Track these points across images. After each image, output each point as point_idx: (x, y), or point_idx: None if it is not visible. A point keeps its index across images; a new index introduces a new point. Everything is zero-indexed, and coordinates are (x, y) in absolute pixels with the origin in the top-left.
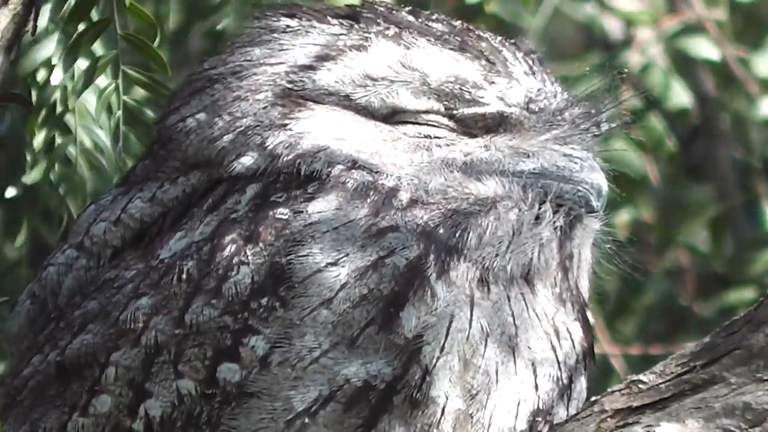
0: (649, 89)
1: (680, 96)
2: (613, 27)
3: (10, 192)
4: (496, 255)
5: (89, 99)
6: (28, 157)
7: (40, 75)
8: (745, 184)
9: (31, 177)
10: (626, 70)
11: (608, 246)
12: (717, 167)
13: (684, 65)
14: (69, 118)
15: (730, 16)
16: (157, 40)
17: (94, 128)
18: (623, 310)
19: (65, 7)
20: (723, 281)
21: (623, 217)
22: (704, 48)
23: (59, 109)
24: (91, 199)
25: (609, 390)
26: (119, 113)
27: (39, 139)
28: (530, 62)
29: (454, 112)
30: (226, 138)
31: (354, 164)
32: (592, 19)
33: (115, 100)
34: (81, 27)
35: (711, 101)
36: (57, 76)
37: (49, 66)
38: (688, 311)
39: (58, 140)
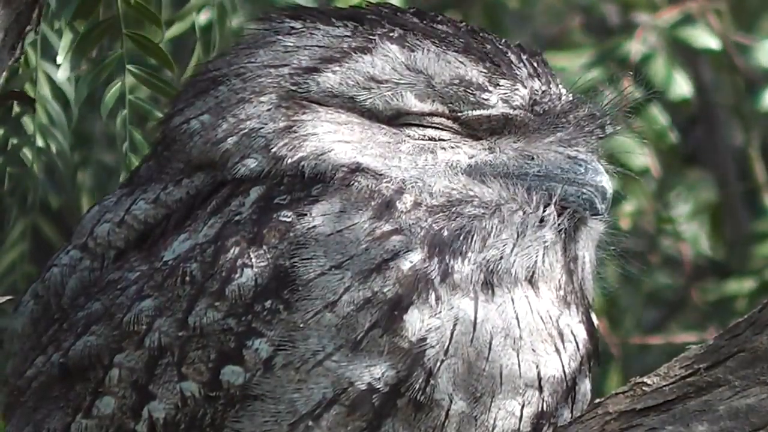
0: (650, 80)
1: (681, 86)
2: (611, 12)
3: None
4: (501, 258)
5: (49, 98)
6: None
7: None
8: (745, 173)
9: None
10: (629, 70)
11: (612, 248)
12: (716, 156)
13: (683, 54)
14: (27, 120)
15: (729, 5)
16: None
17: (54, 131)
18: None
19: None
20: (722, 271)
21: (624, 208)
22: (704, 38)
23: (17, 110)
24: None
25: (613, 392)
26: (125, 112)
27: None
28: (535, 64)
29: (459, 114)
30: (230, 140)
31: (358, 167)
32: (591, 4)
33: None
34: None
35: (710, 90)
36: (63, 75)
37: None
38: (686, 301)
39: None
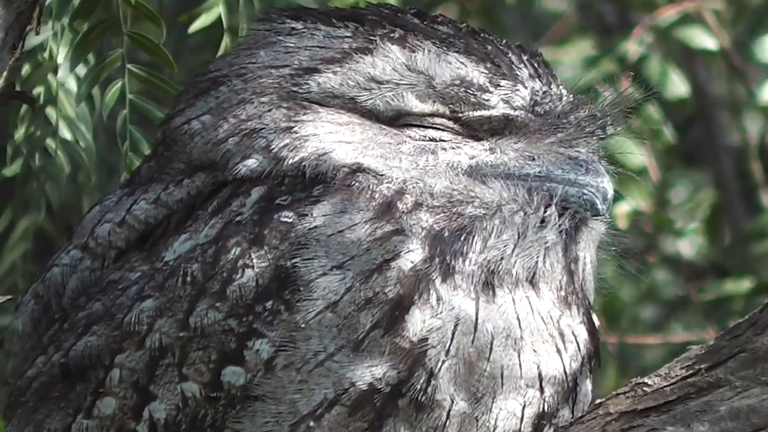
0: (647, 80)
1: (678, 86)
2: (608, 11)
3: None
4: (501, 258)
5: (72, 91)
6: (9, 150)
7: (25, 68)
8: (743, 172)
9: (11, 169)
10: (629, 69)
11: (613, 248)
12: (714, 155)
13: (679, 53)
14: (50, 111)
15: (727, 4)
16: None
17: (76, 122)
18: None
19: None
20: (720, 270)
21: (622, 207)
22: (702, 38)
23: (40, 101)
24: (67, 192)
25: (614, 392)
26: (125, 112)
27: (20, 132)
28: (536, 65)
29: (460, 115)
30: (231, 140)
31: (359, 167)
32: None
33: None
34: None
35: (707, 89)
36: (63, 75)
37: (35, 57)
38: (684, 300)
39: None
